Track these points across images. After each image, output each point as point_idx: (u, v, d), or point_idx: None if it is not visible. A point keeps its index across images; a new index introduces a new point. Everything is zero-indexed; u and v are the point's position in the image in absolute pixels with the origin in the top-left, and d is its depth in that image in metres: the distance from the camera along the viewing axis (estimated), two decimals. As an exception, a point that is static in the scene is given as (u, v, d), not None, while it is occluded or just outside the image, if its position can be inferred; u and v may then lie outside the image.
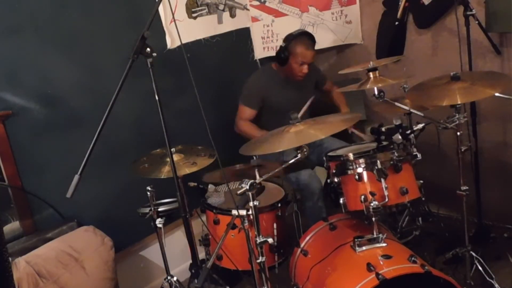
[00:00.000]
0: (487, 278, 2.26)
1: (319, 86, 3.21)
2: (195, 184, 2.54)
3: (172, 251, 2.64)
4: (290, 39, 2.85)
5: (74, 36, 2.54)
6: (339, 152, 2.42)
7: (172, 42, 2.91)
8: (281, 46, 2.88)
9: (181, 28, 2.39)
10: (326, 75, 3.29)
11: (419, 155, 2.14)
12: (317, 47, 3.43)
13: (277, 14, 3.38)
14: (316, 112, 2.71)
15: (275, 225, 2.40)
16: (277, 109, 2.93)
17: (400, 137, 2.06)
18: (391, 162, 2.06)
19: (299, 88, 3.00)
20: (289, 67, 2.88)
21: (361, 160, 2.10)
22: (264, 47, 3.44)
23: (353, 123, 2.17)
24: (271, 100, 2.96)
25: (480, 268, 2.28)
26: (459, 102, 2.08)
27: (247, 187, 1.81)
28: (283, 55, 2.85)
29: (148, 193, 2.27)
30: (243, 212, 1.95)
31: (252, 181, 1.80)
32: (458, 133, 2.19)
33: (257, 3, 3.35)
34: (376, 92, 2.11)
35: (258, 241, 1.88)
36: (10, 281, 0.95)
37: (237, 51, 3.33)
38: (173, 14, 2.88)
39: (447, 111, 2.21)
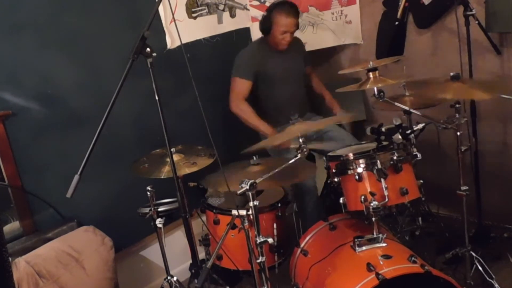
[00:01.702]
0: (487, 278, 2.26)
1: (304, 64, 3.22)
2: (195, 184, 2.54)
3: (172, 251, 2.63)
4: (271, 8, 2.91)
5: (74, 36, 2.53)
6: (339, 152, 2.42)
7: (172, 42, 2.91)
8: (263, 16, 2.95)
9: (181, 28, 2.39)
10: (309, 58, 3.29)
11: (419, 155, 2.14)
12: (317, 47, 3.45)
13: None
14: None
15: (275, 225, 2.41)
16: (271, 80, 2.95)
17: (400, 137, 2.06)
18: (391, 162, 2.06)
19: (291, 59, 3.03)
20: (272, 36, 2.92)
21: (361, 160, 2.10)
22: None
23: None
24: (266, 71, 2.95)
25: (480, 268, 2.28)
26: (457, 98, 2.09)
27: (247, 187, 1.80)
28: (265, 24, 2.91)
29: (148, 193, 2.27)
30: (243, 212, 1.95)
31: (252, 181, 1.80)
32: (458, 133, 2.19)
33: (257, 3, 3.35)
34: (376, 92, 2.11)
35: (258, 241, 1.88)
36: (10, 281, 0.95)
37: (237, 51, 3.33)
38: (173, 14, 2.88)
39: (447, 111, 2.21)
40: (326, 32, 3.43)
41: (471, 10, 2.51)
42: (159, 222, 2.30)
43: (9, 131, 2.33)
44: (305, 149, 1.89)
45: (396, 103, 2.24)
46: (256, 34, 3.38)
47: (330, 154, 2.38)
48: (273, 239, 1.99)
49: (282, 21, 2.84)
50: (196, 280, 2.14)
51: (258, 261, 1.90)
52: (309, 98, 3.20)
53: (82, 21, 2.56)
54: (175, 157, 2.29)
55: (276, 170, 1.93)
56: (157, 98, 1.85)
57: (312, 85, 3.28)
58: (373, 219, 2.04)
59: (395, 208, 2.09)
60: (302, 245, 2.35)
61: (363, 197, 2.06)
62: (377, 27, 3.33)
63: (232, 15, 3.26)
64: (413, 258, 1.90)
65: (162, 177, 2.24)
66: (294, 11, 2.88)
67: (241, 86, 2.90)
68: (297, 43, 3.11)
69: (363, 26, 3.42)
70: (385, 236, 2.05)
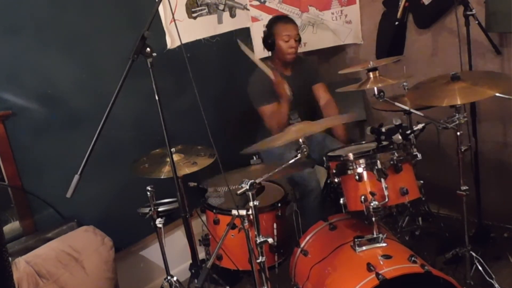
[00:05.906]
0: (487, 278, 2.26)
1: (312, 82, 3.18)
2: (195, 184, 2.54)
3: (172, 251, 2.63)
4: (269, 23, 3.01)
5: (74, 36, 2.53)
6: (339, 152, 2.42)
7: (172, 42, 2.91)
8: (264, 32, 3.01)
9: (181, 28, 2.39)
10: (321, 78, 3.24)
11: (419, 155, 2.14)
12: (317, 47, 3.46)
13: (277, 14, 3.37)
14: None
15: (275, 225, 2.40)
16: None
17: (400, 137, 2.06)
18: (391, 162, 2.06)
19: (295, 81, 3.02)
20: (279, 49, 2.95)
21: (361, 160, 2.10)
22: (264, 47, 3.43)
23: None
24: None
25: (480, 268, 2.28)
26: (459, 103, 2.09)
27: (247, 187, 1.80)
28: (269, 40, 2.96)
29: (148, 193, 2.27)
30: (243, 212, 1.95)
31: (252, 181, 1.80)
32: (458, 133, 2.19)
33: (257, 3, 3.35)
34: (376, 92, 2.11)
35: (258, 241, 1.88)
36: (10, 281, 0.95)
37: (237, 51, 3.32)
38: (173, 14, 2.88)
39: (447, 111, 2.21)
40: (326, 32, 3.44)
41: (471, 10, 2.51)
42: (159, 222, 2.30)
43: (9, 131, 2.33)
44: (305, 149, 1.89)
45: (396, 103, 2.24)
46: (256, 34, 3.39)
47: (330, 154, 2.38)
48: (273, 239, 1.99)
49: (282, 28, 2.92)
50: (196, 280, 2.14)
51: (258, 261, 1.90)
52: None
53: (82, 21, 2.56)
54: (175, 157, 2.29)
55: (276, 170, 1.93)
56: (157, 98, 1.85)
57: (320, 103, 3.20)
58: (373, 219, 2.04)
59: (395, 208, 2.10)
60: (302, 245, 2.35)
61: (363, 197, 2.06)
62: (377, 27, 3.33)
63: (232, 15, 3.26)
64: (413, 258, 1.90)
65: (162, 177, 2.24)
66: (290, 20, 2.98)
67: (268, 110, 2.92)
68: (304, 63, 3.13)
69: (363, 26, 3.42)
70: (385, 236, 2.05)
